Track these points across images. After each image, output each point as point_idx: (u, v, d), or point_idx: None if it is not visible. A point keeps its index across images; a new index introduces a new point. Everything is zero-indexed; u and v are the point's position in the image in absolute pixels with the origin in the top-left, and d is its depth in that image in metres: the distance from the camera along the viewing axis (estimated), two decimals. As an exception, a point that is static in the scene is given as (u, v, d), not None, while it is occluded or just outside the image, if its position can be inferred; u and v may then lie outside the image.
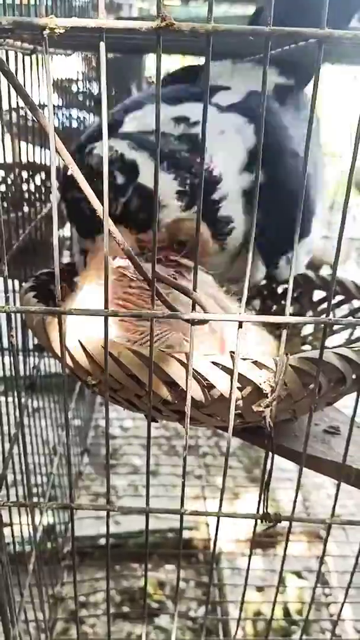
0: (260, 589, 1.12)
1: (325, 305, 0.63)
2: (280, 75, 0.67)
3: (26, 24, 0.28)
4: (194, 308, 0.35)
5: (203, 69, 0.71)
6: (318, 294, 0.67)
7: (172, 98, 0.59)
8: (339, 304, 0.63)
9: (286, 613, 1.09)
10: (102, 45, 0.29)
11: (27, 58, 0.52)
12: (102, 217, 0.33)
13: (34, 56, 0.53)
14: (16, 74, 0.47)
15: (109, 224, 0.33)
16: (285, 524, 0.41)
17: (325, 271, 1.13)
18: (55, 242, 0.33)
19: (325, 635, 1.05)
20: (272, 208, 0.50)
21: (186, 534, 1.17)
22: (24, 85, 0.52)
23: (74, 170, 0.33)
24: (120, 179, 0.49)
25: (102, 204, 0.32)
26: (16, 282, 0.58)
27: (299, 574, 1.16)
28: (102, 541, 1.15)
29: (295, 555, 1.18)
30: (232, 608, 1.05)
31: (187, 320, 0.35)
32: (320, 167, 0.70)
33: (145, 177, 0.50)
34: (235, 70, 0.68)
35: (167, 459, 1.35)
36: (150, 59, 1.69)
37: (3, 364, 0.50)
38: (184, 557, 1.15)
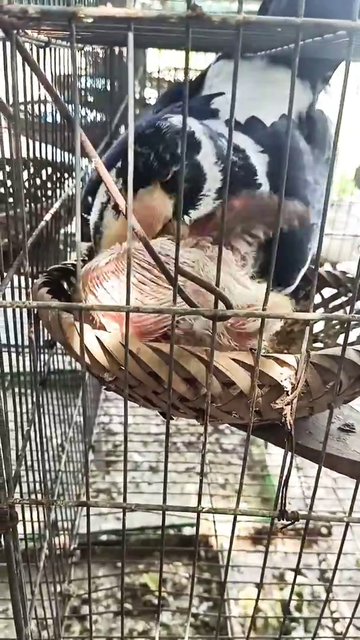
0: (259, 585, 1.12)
1: (337, 302, 0.63)
2: (296, 77, 0.66)
3: (54, 12, 0.28)
4: (216, 304, 0.34)
5: (199, 79, 0.71)
6: (327, 292, 0.67)
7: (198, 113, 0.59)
8: (348, 301, 0.63)
9: (286, 609, 1.09)
10: (130, 35, 0.29)
11: (40, 51, 0.51)
12: (124, 212, 0.32)
13: (44, 49, 0.52)
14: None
15: (132, 221, 0.32)
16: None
17: (327, 268, 1.12)
18: (78, 237, 0.32)
19: (325, 632, 1.05)
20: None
21: (187, 531, 1.17)
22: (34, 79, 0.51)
23: (98, 164, 0.32)
24: (182, 150, 0.50)
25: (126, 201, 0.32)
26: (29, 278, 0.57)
27: (298, 571, 1.16)
28: (105, 537, 1.15)
29: (295, 552, 1.18)
30: (232, 605, 1.05)
31: (210, 317, 0.34)
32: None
33: (203, 159, 0.51)
34: (241, 70, 0.67)
35: (169, 455, 1.35)
36: (150, 55, 1.68)
37: (10, 360, 0.50)
38: (186, 553, 1.15)
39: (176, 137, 0.49)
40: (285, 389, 0.38)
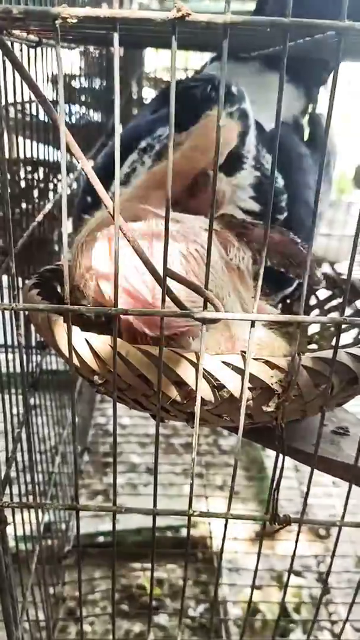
0: (258, 587, 1.12)
1: (332, 303, 0.63)
2: (289, 82, 0.66)
3: (38, 12, 0.27)
4: (205, 307, 0.34)
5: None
6: (323, 293, 0.66)
7: None
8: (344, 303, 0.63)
9: (284, 612, 1.09)
10: (116, 36, 0.28)
11: (31, 51, 0.51)
12: (112, 214, 0.32)
13: (38, 49, 0.52)
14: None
15: (119, 221, 0.32)
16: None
17: (326, 269, 1.12)
18: (65, 236, 0.32)
19: (324, 633, 1.05)
20: None
21: (185, 532, 1.17)
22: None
23: (84, 164, 0.32)
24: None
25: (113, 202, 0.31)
26: (18, 279, 0.57)
27: (297, 573, 1.15)
28: (101, 539, 1.14)
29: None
30: (230, 607, 1.05)
31: (199, 320, 0.34)
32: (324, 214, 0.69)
33: (248, 110, 0.54)
34: (236, 74, 0.67)
35: (165, 457, 1.35)
36: (149, 55, 1.67)
37: (3, 361, 0.49)
38: (183, 555, 1.15)
39: (229, 83, 0.52)
40: (276, 392, 0.38)
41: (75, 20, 0.28)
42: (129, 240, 0.33)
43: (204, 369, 0.37)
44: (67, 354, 0.36)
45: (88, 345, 0.39)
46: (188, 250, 0.42)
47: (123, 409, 0.46)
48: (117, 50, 0.29)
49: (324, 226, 1.20)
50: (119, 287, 0.33)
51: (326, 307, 0.63)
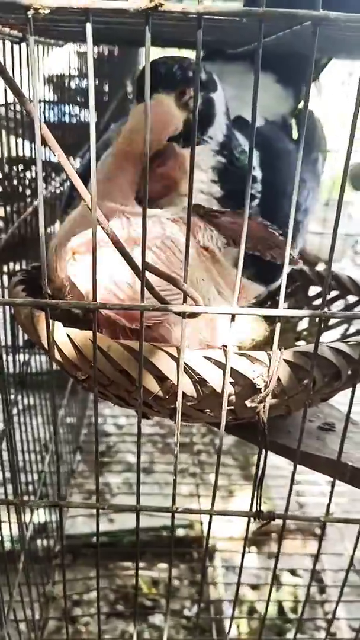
0: (254, 587, 1.12)
1: (321, 300, 0.62)
2: (278, 83, 0.66)
3: (8, 3, 0.27)
4: (185, 300, 0.34)
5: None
6: (314, 290, 0.66)
7: None
8: (334, 299, 0.62)
9: (281, 611, 1.08)
10: (89, 26, 0.28)
11: (20, 48, 0.51)
12: (89, 207, 0.32)
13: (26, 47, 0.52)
14: (4, 63, 0.46)
15: (97, 214, 0.32)
16: (281, 521, 0.41)
17: (321, 267, 1.12)
18: (42, 231, 0.32)
19: (320, 633, 1.04)
20: None
21: (180, 532, 1.16)
22: (13, 75, 0.50)
23: (61, 157, 0.32)
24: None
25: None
26: (2, 277, 0.57)
27: (293, 572, 1.15)
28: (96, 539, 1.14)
29: (290, 553, 1.17)
30: (226, 606, 1.04)
31: (178, 313, 0.34)
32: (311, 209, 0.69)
33: (216, 99, 0.54)
34: (225, 72, 0.67)
35: (162, 456, 1.35)
36: (144, 54, 1.67)
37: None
38: (178, 555, 1.15)
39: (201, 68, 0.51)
40: (258, 387, 0.38)
41: (47, 11, 0.28)
42: (107, 233, 0.33)
43: (185, 363, 0.37)
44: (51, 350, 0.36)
45: (70, 340, 0.39)
46: (158, 242, 0.42)
47: (119, 409, 0.46)
48: (90, 41, 0.29)
49: (317, 224, 1.19)
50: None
51: (315, 303, 0.63)
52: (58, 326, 0.39)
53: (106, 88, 1.22)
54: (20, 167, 0.73)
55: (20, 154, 0.65)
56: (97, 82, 1.15)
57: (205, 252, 0.46)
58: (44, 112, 0.91)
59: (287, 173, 0.58)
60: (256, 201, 0.56)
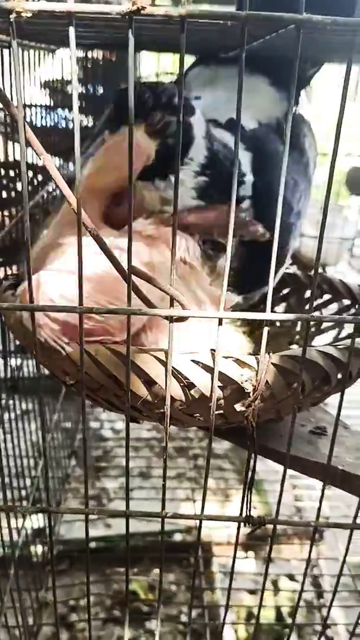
0: (252, 592, 1.11)
1: (316, 302, 0.62)
2: (272, 86, 0.66)
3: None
4: (172, 304, 0.34)
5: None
6: (309, 294, 0.66)
7: None
8: (327, 303, 0.62)
9: (279, 616, 1.08)
10: (72, 30, 0.28)
11: (10, 52, 0.51)
12: (74, 209, 0.32)
13: (34, 53, 0.52)
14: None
15: (82, 217, 0.32)
16: (281, 525, 0.40)
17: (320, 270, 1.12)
18: (28, 235, 0.32)
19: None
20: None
21: (177, 537, 1.16)
22: (3, 79, 0.50)
23: (46, 160, 0.32)
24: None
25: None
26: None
27: (291, 577, 1.15)
28: (92, 544, 1.13)
29: (288, 558, 1.17)
30: (223, 611, 1.04)
31: (166, 317, 0.34)
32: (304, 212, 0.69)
33: (195, 123, 0.53)
34: (219, 76, 0.66)
35: (159, 461, 1.34)
36: (144, 59, 1.67)
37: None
38: (175, 560, 1.14)
39: (174, 93, 0.50)
40: (246, 391, 0.37)
41: (29, 15, 0.28)
42: (91, 234, 0.33)
43: (173, 367, 0.37)
44: (38, 355, 0.36)
45: (58, 345, 0.39)
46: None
47: (117, 414, 0.46)
48: (74, 44, 0.28)
49: (311, 228, 1.19)
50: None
51: (307, 307, 0.62)
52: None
53: (100, 91, 1.23)
54: (15, 172, 0.73)
55: (17, 158, 0.65)
56: (91, 86, 1.16)
57: (182, 265, 0.46)
58: (41, 117, 0.91)
59: (278, 175, 0.59)
60: (246, 203, 0.56)
